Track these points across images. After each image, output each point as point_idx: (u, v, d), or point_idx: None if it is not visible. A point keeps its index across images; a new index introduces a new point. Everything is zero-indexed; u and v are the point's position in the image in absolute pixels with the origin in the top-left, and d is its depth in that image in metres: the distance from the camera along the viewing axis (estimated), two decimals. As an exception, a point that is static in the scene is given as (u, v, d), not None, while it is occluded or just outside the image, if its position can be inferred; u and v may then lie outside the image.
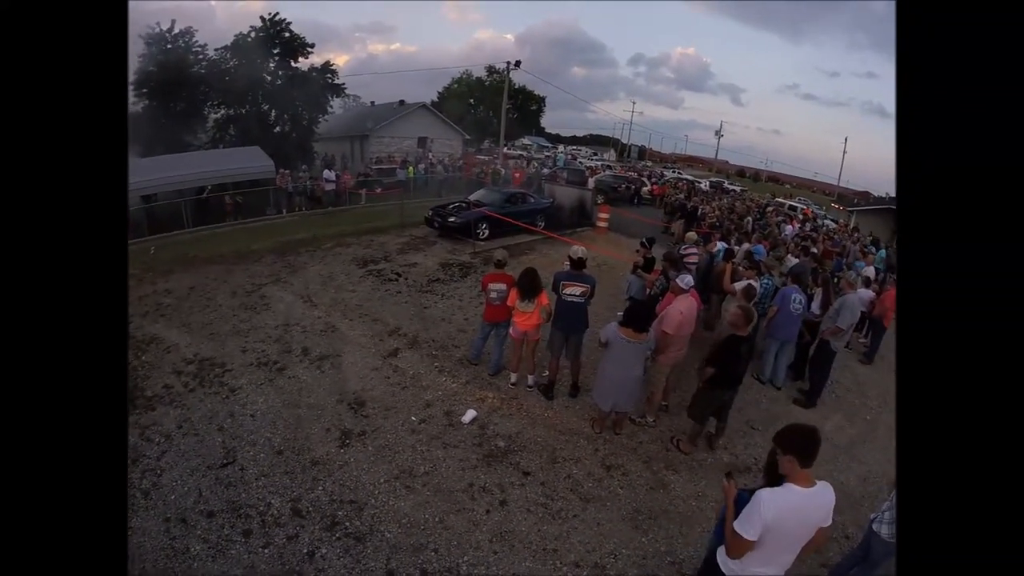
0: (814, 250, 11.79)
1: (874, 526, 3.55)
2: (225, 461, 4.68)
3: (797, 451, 2.48)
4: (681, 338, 5.45)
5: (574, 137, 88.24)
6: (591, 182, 23.39)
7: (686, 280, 5.46)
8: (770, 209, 24.51)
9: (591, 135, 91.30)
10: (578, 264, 5.73)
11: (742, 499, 2.64)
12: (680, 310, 5.29)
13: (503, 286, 5.97)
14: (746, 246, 10.19)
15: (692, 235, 9.43)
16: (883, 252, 15.83)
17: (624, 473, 4.96)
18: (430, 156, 29.44)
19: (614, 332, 4.93)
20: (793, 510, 2.46)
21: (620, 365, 4.96)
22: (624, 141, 76.47)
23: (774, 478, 2.64)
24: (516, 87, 44.04)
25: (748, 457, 5.46)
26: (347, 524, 4.07)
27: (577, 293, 5.66)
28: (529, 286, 5.66)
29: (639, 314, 4.90)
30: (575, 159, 43.85)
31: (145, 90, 20.47)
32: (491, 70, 46.09)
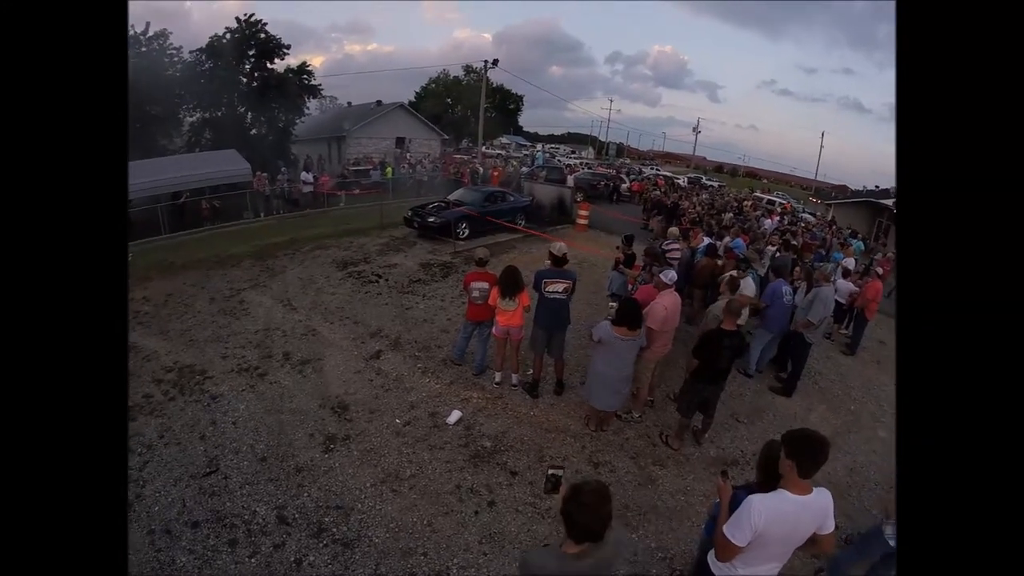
0: (794, 243, 11.91)
1: (889, 541, 3.54)
2: (208, 470, 4.59)
3: (800, 458, 2.38)
4: (665, 333, 5.47)
5: (552, 135, 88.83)
6: (570, 180, 23.49)
7: (670, 275, 5.47)
8: (748, 204, 24.72)
9: (569, 133, 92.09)
10: (559, 261, 5.72)
11: (737, 498, 2.60)
12: (664, 305, 5.30)
13: (485, 285, 5.94)
14: (727, 240, 10.26)
15: (674, 230, 9.47)
16: (860, 244, 16.12)
17: (612, 470, 4.97)
18: (408, 156, 29.21)
19: (608, 331, 4.84)
20: (784, 518, 2.40)
21: (614, 364, 4.94)
22: (602, 139, 77.17)
23: (768, 476, 2.60)
24: (494, 86, 44.01)
25: (734, 450, 5.51)
26: (334, 530, 4.01)
27: (560, 290, 5.65)
28: (510, 284, 5.65)
29: (633, 312, 4.85)
30: (554, 157, 43.89)
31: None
32: (468, 69, 45.98)
